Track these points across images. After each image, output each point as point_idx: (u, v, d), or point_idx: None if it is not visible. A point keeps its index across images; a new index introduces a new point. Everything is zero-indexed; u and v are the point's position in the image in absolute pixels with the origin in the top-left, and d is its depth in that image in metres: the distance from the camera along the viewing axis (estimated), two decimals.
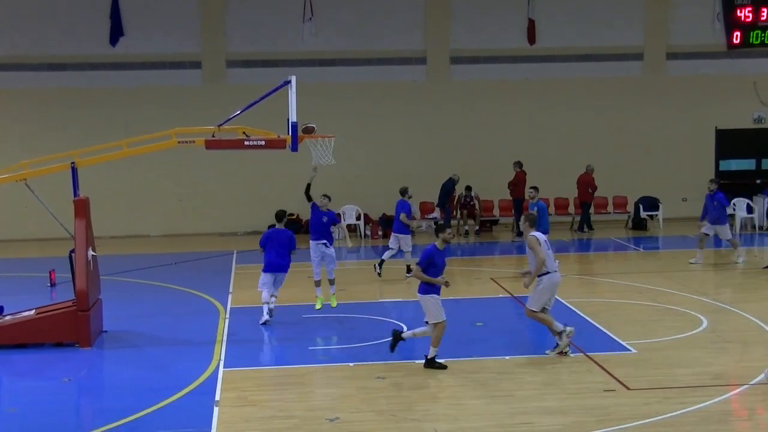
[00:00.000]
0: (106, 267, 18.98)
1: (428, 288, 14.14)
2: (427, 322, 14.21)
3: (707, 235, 22.82)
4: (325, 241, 18.56)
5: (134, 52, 30.08)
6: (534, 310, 14.67)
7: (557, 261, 15.23)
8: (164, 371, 14.52)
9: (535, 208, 21.51)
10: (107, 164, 19.77)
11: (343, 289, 19.91)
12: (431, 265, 14.06)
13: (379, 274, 21.48)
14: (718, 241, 24.39)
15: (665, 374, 13.62)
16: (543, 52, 31.04)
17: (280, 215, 17.83)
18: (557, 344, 14.60)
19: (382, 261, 21.69)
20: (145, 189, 30.18)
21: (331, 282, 18.70)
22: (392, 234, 21.90)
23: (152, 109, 29.47)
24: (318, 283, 18.60)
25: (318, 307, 18.42)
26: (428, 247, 14.20)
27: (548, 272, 14.61)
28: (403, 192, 22.02)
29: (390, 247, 21.89)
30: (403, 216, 21.49)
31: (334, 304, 18.52)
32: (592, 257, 24.38)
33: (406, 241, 21.58)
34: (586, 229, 28.92)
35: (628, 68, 31.49)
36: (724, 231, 22.81)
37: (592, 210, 29.76)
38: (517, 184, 28.66)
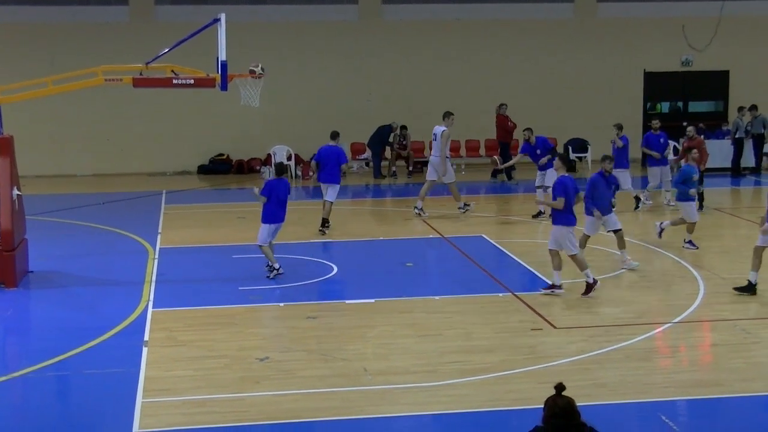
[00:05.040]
0: (31, 207, 18.69)
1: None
2: None
3: None
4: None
5: None
6: None
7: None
8: (92, 311, 14.41)
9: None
10: (32, 102, 19.41)
11: None
12: None
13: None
14: (644, 184, 24.67)
15: (591, 313, 13.87)
16: None
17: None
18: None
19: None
20: (71, 127, 29.62)
21: None
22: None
23: (78, 46, 28.82)
24: None
25: None
26: None
27: None
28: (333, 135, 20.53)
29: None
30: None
31: None
32: (522, 198, 24.52)
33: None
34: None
35: (559, 10, 31.56)
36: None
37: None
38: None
